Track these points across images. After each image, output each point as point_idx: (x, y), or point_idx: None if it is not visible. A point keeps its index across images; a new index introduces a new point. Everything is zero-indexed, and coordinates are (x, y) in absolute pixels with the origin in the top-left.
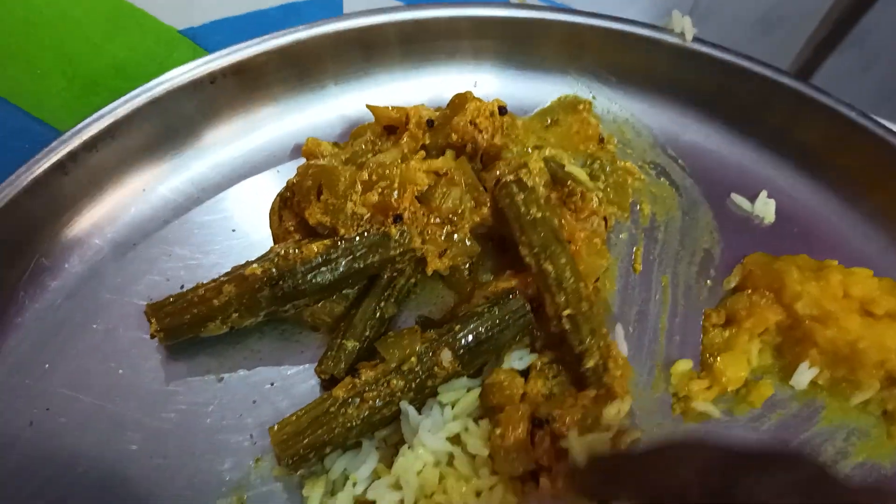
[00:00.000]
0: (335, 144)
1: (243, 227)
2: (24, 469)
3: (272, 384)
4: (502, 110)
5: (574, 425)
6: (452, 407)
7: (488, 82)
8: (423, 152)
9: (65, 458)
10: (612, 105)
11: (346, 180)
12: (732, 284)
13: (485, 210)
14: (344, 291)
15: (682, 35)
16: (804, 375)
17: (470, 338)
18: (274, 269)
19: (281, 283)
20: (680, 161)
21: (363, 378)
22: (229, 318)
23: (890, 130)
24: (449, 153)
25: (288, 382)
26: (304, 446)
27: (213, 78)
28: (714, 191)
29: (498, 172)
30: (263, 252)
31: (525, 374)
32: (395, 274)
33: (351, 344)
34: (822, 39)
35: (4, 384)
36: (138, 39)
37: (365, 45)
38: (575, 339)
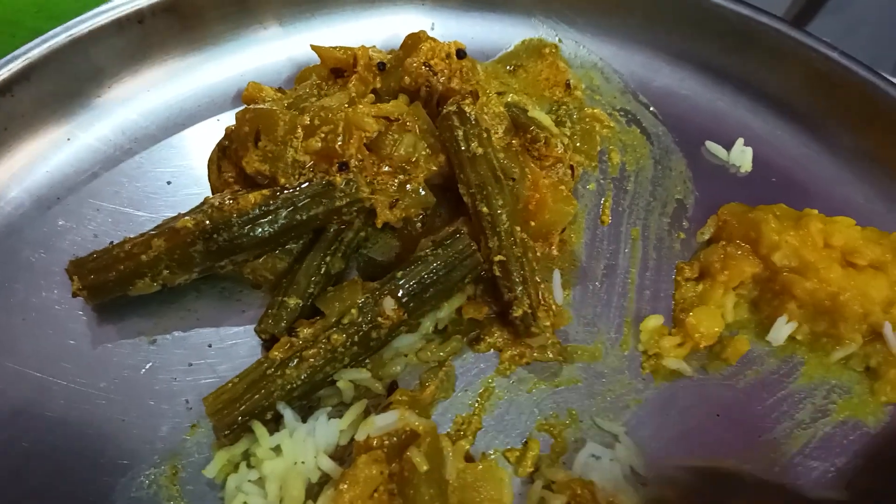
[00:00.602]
0: (279, 90)
1: (180, 180)
2: None
3: (210, 346)
4: (460, 53)
5: None
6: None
7: (447, 25)
8: (372, 96)
9: None
10: (579, 49)
11: (286, 125)
12: (706, 236)
13: (441, 158)
14: (287, 246)
15: None
16: (782, 330)
17: (413, 283)
18: (208, 222)
19: (215, 236)
20: (652, 108)
21: (301, 336)
22: (160, 274)
23: (875, 72)
24: (402, 98)
25: (227, 344)
26: (242, 413)
27: (140, 17)
28: (688, 139)
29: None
30: None
31: None
32: (342, 227)
33: (293, 301)
34: (804, 5)
35: None
36: None
37: None
38: (504, 285)
